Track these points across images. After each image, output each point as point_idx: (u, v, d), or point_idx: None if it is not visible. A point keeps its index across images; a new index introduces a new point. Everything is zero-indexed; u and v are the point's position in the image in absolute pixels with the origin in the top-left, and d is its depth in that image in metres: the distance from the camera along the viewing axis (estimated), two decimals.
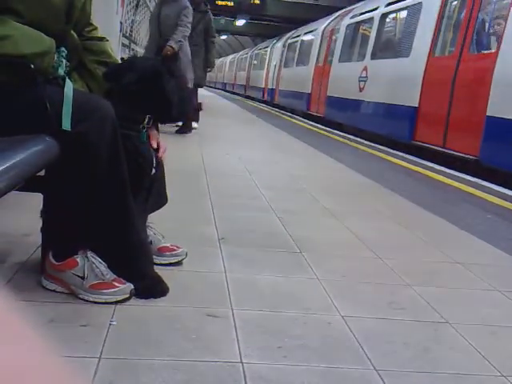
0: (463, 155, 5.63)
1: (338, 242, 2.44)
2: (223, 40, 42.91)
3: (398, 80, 7.50)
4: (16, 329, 0.21)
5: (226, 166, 4.35)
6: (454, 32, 6.53)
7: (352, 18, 10.56)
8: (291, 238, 2.41)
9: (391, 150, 6.54)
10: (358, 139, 7.70)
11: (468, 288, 1.99)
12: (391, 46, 8.75)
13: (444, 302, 1.82)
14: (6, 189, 1.19)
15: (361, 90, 8.87)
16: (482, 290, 1.98)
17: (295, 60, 14.97)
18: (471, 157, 5.46)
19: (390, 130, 7.60)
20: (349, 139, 7.65)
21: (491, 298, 1.92)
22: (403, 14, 8.21)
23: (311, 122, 10.61)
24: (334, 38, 11.55)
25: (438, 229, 2.86)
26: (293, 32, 16.86)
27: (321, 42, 12.49)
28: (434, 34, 6.73)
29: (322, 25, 12.87)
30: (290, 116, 12.27)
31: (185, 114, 1.83)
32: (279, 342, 1.42)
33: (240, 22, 26.50)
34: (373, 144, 7.14)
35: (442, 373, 1.36)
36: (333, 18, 12.49)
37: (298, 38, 15.40)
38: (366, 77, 8.73)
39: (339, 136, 8.08)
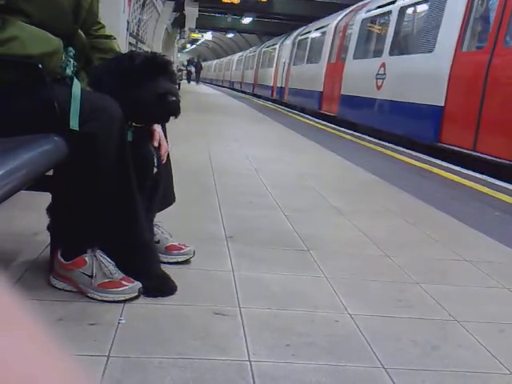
0: (497, 160, 5.15)
1: (346, 240, 2.43)
2: (230, 38, 42.88)
3: (420, 77, 6.93)
4: (24, 327, 0.21)
5: (233, 164, 4.35)
6: (486, 24, 5.94)
7: (367, 12, 9.99)
8: (299, 236, 2.41)
9: (399, 148, 6.51)
10: (366, 137, 7.67)
11: (476, 286, 1.98)
12: (412, 41, 8.12)
13: (452, 299, 1.82)
14: (16, 188, 1.20)
15: (378, 88, 8.30)
16: (490, 288, 1.97)
17: (306, 57, 14.40)
18: (507, 161, 5.01)
19: (412, 130, 7.04)
20: (356, 137, 7.63)
21: (500, 295, 1.91)
22: (425, 6, 7.58)
23: (318, 120, 10.57)
24: (347, 33, 10.95)
25: (447, 227, 2.84)
26: (302, 28, 16.32)
27: (333, 38, 11.89)
28: (462, 27, 6.12)
29: (335, 20, 12.25)
30: (296, 114, 12.25)
31: (152, 115, 1.67)
32: (287, 340, 1.43)
33: (246, 20, 26.47)
34: (380, 142, 7.11)
35: (451, 371, 1.35)
36: (345, 13, 11.92)
37: (308, 35, 14.86)
38: (384, 74, 8.16)
39: (347, 134, 8.06)
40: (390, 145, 6.80)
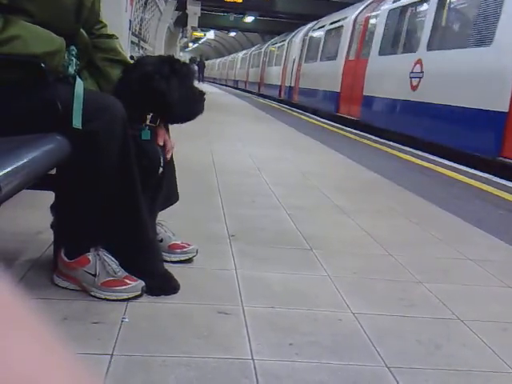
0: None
1: (349, 239, 2.43)
2: (232, 37, 42.89)
3: (472, 76, 5.75)
4: (28, 326, 0.21)
5: (235, 163, 4.35)
6: None
7: (396, 1, 8.60)
8: (302, 235, 2.41)
9: (403, 147, 6.49)
10: (370, 136, 7.65)
11: (480, 285, 1.98)
12: (459, 33, 6.88)
13: (456, 298, 1.82)
14: (19, 187, 1.20)
15: (413, 88, 7.07)
16: (493, 287, 1.97)
17: (319, 54, 12.98)
18: None
19: (462, 140, 5.84)
20: (360, 136, 7.62)
21: (503, 294, 1.91)
22: None
23: (323, 120, 10.54)
24: (369, 26, 9.72)
25: (450, 225, 2.84)
26: (314, 23, 15.02)
27: (352, 32, 10.56)
28: None
29: (353, 13, 10.89)
30: (300, 113, 12.22)
31: (191, 113, 1.77)
32: (290, 338, 1.43)
33: (249, 19, 26.47)
34: (383, 141, 7.10)
35: (454, 370, 1.35)
36: (365, 4, 10.57)
37: (321, 30, 13.46)
38: (421, 72, 6.91)
39: (350, 133, 8.05)
40: (394, 144, 6.78)
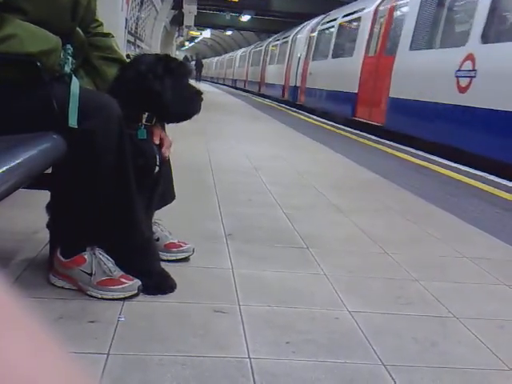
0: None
1: (345, 237, 2.43)
2: (228, 36, 42.87)
3: None
4: (24, 326, 0.21)
5: (232, 162, 4.35)
6: None
7: None
8: (298, 233, 2.41)
9: (400, 146, 6.50)
10: (366, 135, 7.64)
11: (476, 282, 1.99)
12: None
13: (452, 296, 1.82)
14: (15, 186, 1.20)
15: (461, 90, 5.74)
16: (489, 285, 1.98)
17: (331, 51, 11.58)
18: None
19: None
20: (355, 135, 7.62)
21: (499, 292, 1.92)
22: None
23: (321, 120, 10.53)
24: (395, 18, 8.33)
25: (446, 223, 2.85)
26: (321, 17, 13.66)
27: (372, 24, 9.16)
28: None
29: (373, 3, 9.42)
30: (297, 112, 12.21)
31: (187, 112, 1.75)
32: (287, 337, 1.43)
33: (245, 18, 26.45)
34: (381, 140, 7.10)
35: (450, 367, 1.36)
36: None
37: (332, 24, 12.05)
38: (474, 70, 5.53)
39: (347, 132, 8.05)
40: (389, 142, 6.78)
